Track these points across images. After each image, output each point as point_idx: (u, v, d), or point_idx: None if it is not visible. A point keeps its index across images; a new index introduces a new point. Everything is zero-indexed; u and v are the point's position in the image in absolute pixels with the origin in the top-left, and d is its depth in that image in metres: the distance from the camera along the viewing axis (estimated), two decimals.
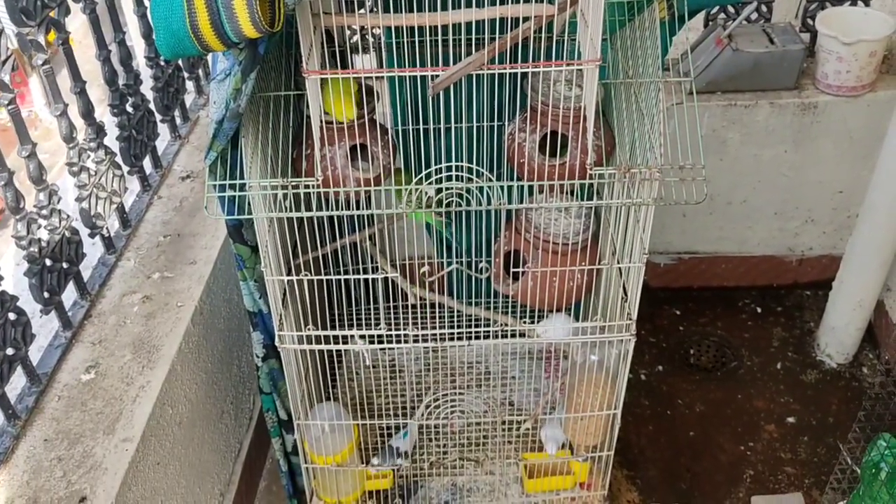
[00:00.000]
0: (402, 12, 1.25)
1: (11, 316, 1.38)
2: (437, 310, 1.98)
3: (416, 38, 1.51)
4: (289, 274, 1.44)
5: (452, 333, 1.58)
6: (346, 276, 1.45)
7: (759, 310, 2.56)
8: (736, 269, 2.58)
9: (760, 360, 2.40)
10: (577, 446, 1.71)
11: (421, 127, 1.73)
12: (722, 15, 2.28)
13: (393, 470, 1.79)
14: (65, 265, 1.54)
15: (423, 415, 1.80)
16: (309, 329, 1.46)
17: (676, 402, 2.28)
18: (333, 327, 1.77)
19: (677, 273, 2.58)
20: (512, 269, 1.56)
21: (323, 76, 1.24)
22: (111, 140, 1.72)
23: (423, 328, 1.52)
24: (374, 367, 2.07)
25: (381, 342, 1.52)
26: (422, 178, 1.33)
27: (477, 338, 1.59)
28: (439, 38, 1.28)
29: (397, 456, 1.74)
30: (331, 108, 1.41)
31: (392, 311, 1.91)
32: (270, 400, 1.74)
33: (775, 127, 2.27)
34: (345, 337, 1.52)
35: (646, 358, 2.41)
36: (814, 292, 2.58)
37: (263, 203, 1.32)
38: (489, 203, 1.33)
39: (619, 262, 1.51)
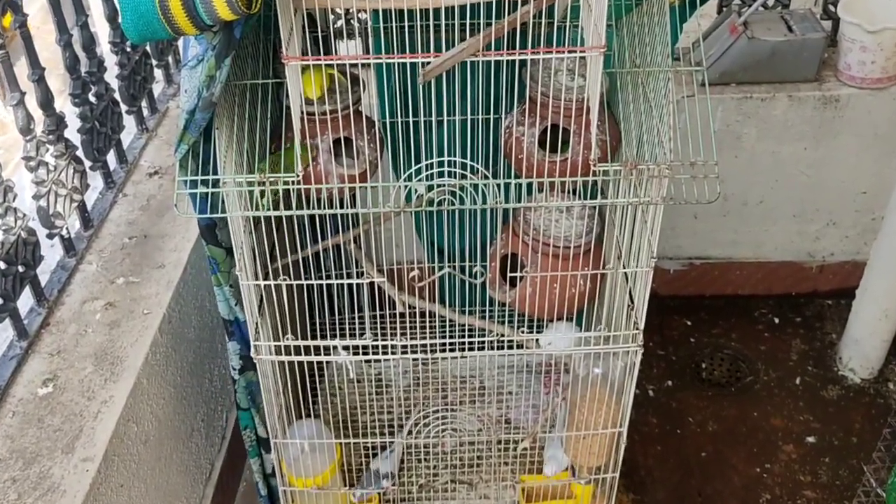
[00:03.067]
0: None
1: None
2: (427, 319, 1.97)
3: (406, 23, 1.51)
4: (266, 278, 1.43)
5: (444, 344, 1.58)
6: (329, 282, 1.45)
7: (776, 320, 2.57)
8: (752, 275, 2.59)
9: (778, 375, 2.41)
10: (580, 467, 1.71)
11: (410, 119, 1.73)
12: (737, 0, 2.29)
13: (378, 494, 1.78)
14: (20, 269, 1.53)
15: (411, 433, 1.80)
16: (287, 339, 1.46)
17: (687, 420, 2.29)
18: (314, 337, 1.77)
19: (688, 280, 2.59)
20: (509, 275, 1.56)
21: (304, 63, 1.24)
22: (72, 133, 1.71)
23: (412, 338, 1.52)
24: (358, 380, 2.07)
25: (366, 354, 1.52)
26: (411, 174, 1.33)
27: (471, 349, 1.59)
28: (430, 22, 1.28)
29: (381, 479, 1.74)
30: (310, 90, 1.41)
31: (378, 319, 1.91)
32: (248, 416, 1.73)
33: (794, 122, 2.28)
34: (326, 348, 1.52)
35: (654, 372, 2.41)
36: (835, 301, 2.59)
37: (239, 201, 1.32)
38: (484, 202, 1.33)
39: (625, 267, 1.51)
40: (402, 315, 1.80)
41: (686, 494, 2.11)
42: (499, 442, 1.89)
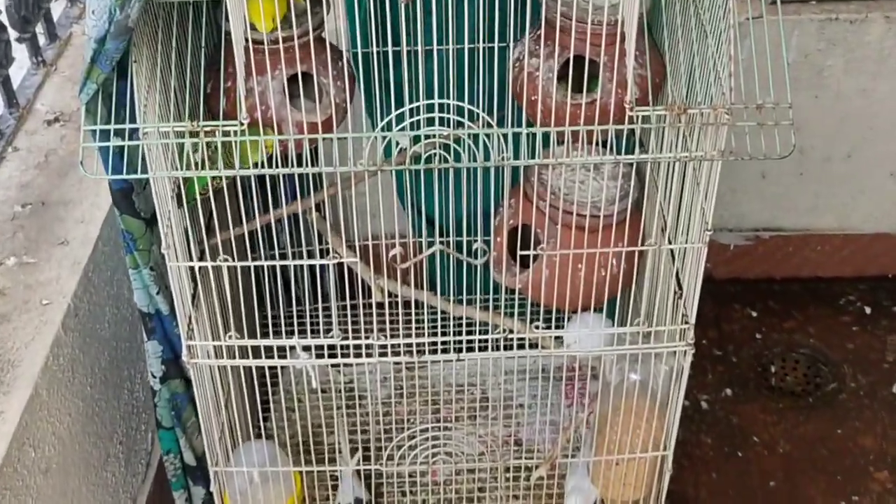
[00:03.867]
0: None
1: None
2: (413, 311, 1.98)
3: None
4: (201, 259, 1.43)
5: (435, 344, 1.58)
6: (284, 262, 1.44)
7: (867, 310, 2.58)
8: (836, 252, 2.60)
9: (869, 381, 2.42)
10: (612, 502, 1.72)
11: (390, 49, 1.72)
12: None
13: None
14: None
15: (392, 459, 1.81)
16: (230, 337, 1.46)
17: (751, 441, 2.30)
18: (266, 335, 1.77)
19: (753, 258, 2.60)
20: (520, 253, 1.56)
21: None
22: None
23: (393, 336, 1.52)
24: (323, 391, 2.07)
25: (333, 356, 1.53)
26: (391, 122, 1.33)
27: (470, 350, 1.60)
28: None
29: None
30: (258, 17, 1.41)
31: (349, 312, 1.91)
32: (172, 438, 1.74)
33: (893, 50, 2.27)
34: (282, 348, 1.52)
35: (708, 378, 2.42)
36: None
37: (164, 157, 1.32)
38: (487, 158, 1.33)
39: (670, 243, 1.52)
40: (381, 306, 1.80)
41: None
42: (507, 469, 1.90)
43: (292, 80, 1.49)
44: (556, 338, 1.69)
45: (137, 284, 1.55)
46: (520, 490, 1.88)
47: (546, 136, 1.41)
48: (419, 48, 1.66)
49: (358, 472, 1.88)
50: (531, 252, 1.51)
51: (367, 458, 1.88)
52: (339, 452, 1.83)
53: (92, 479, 1.75)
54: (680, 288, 1.52)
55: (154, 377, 1.67)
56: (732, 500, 2.18)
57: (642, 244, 1.54)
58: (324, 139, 1.36)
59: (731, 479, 2.22)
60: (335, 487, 1.90)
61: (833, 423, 2.33)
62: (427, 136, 1.34)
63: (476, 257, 1.51)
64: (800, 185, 2.47)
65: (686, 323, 1.49)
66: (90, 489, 1.75)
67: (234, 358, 1.49)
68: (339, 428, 1.85)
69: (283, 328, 1.87)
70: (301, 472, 1.74)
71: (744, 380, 2.42)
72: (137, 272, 1.54)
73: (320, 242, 2.03)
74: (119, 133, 1.30)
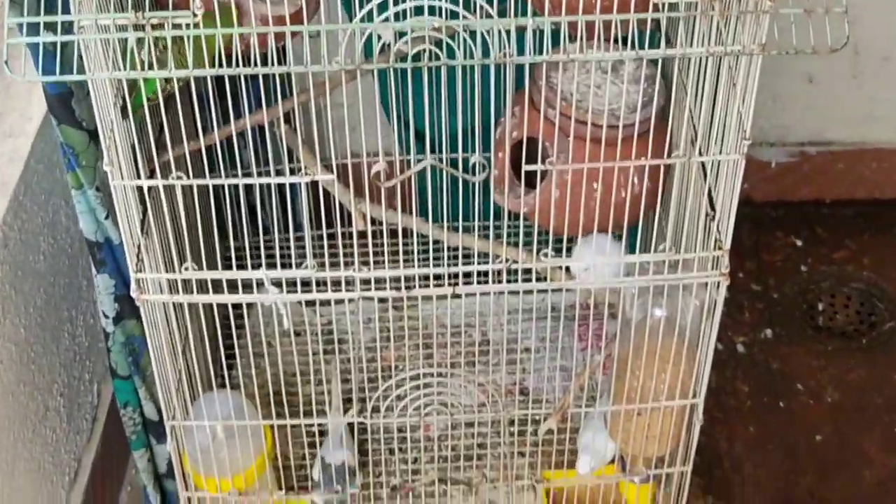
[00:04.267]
0: None
1: None
2: (400, 239, 1.96)
3: None
4: (151, 177, 1.41)
5: (426, 277, 1.57)
6: (248, 180, 1.42)
7: None
8: (895, 169, 2.58)
9: None
10: (633, 458, 1.73)
11: None
12: None
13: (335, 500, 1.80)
14: None
15: (378, 410, 1.80)
16: (186, 269, 1.44)
17: (795, 388, 2.30)
18: (228, 266, 1.75)
19: (798, 177, 2.59)
20: (524, 169, 1.54)
21: None
22: None
23: (377, 268, 1.51)
24: (297, 333, 2.07)
25: (307, 291, 1.51)
26: (372, 12, 1.30)
27: (467, 284, 1.58)
28: None
29: (337, 478, 1.75)
30: None
31: (325, 241, 1.90)
32: (130, 388, 1.74)
33: None
34: (248, 282, 1.51)
35: (745, 316, 2.42)
36: None
37: (105, 56, 1.29)
38: (486, 56, 1.32)
39: (701, 155, 1.49)
40: (363, 235, 1.79)
41: (793, 498, 2.14)
42: (511, 422, 1.90)
43: None
44: (568, 269, 1.68)
45: (82, 208, 1.55)
46: (526, 446, 1.89)
47: (556, 30, 1.39)
48: None
49: (351, 428, 1.88)
50: (539, 167, 1.49)
51: (348, 411, 1.87)
52: (329, 405, 1.83)
53: (28, 435, 1.75)
54: (713, 209, 1.50)
55: (106, 317, 1.67)
56: (772, 455, 2.19)
57: (668, 157, 1.52)
58: (293, 34, 1.33)
59: (770, 433, 2.23)
60: (312, 445, 1.90)
61: (889, 367, 2.34)
62: (415, 30, 1.32)
63: (474, 175, 1.49)
64: (853, 90, 2.46)
65: (720, 249, 1.48)
66: (26, 446, 1.75)
67: (192, 293, 1.48)
68: (333, 374, 1.85)
69: (248, 259, 1.86)
70: (272, 427, 1.73)
71: (787, 319, 2.42)
72: (81, 193, 1.53)
73: (290, 160, 2.01)
74: (51, 27, 1.28)
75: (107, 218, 1.56)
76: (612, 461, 1.79)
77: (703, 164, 1.53)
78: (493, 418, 1.85)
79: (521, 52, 1.32)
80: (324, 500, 1.77)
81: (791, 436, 2.22)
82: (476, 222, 1.90)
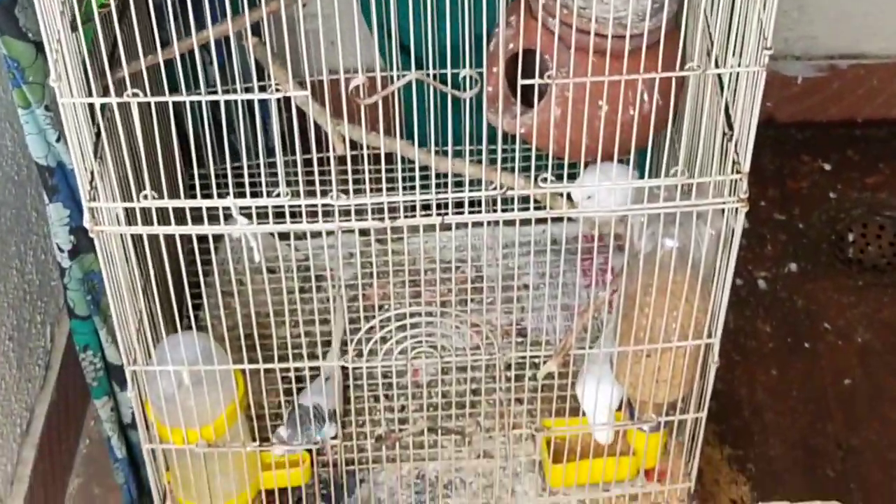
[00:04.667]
0: None
1: None
2: (383, 164, 1.96)
3: None
4: (105, 94, 1.41)
5: (413, 206, 1.57)
6: (212, 97, 1.42)
7: None
8: None
9: None
10: (642, 405, 1.74)
11: None
12: None
13: (311, 452, 1.81)
14: None
15: (361, 354, 1.81)
16: (145, 197, 1.44)
17: (821, 328, 2.32)
18: (192, 194, 1.75)
19: (827, 94, 2.59)
20: (521, 83, 1.54)
21: None
22: None
23: (357, 196, 1.51)
24: (270, 270, 2.06)
25: (281, 222, 1.51)
26: None
27: (458, 213, 1.58)
28: None
29: (315, 420, 1.76)
30: None
31: (301, 166, 1.89)
32: (89, 330, 1.75)
33: None
34: (213, 211, 1.51)
35: (768, 249, 2.43)
36: None
37: None
38: None
39: (718, 67, 1.49)
40: (343, 161, 1.79)
41: (818, 447, 2.16)
42: (507, 366, 1.91)
43: None
44: (570, 197, 1.68)
45: (30, 129, 1.55)
46: (524, 392, 1.89)
47: None
48: None
49: (345, 371, 1.88)
50: (537, 81, 1.48)
51: (326, 355, 1.88)
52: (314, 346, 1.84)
53: None
54: (730, 128, 1.50)
55: (61, 251, 1.67)
56: (796, 401, 2.21)
57: (681, 70, 1.51)
58: None
59: (795, 377, 2.24)
60: (288, 393, 1.91)
61: None
62: None
63: (464, 90, 1.48)
64: None
65: (738, 172, 1.47)
66: None
67: (152, 224, 1.48)
68: (336, 312, 1.85)
69: (214, 187, 1.86)
70: (244, 373, 1.73)
71: (813, 251, 2.43)
72: (29, 113, 1.53)
73: (261, 78, 1.99)
74: None
75: (59, 140, 1.56)
76: (619, 408, 1.80)
77: (719, 78, 1.52)
78: (488, 362, 1.86)
79: None
80: (284, 450, 1.77)
81: (817, 380, 2.24)
82: (467, 146, 1.90)
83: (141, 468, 1.94)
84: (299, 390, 1.86)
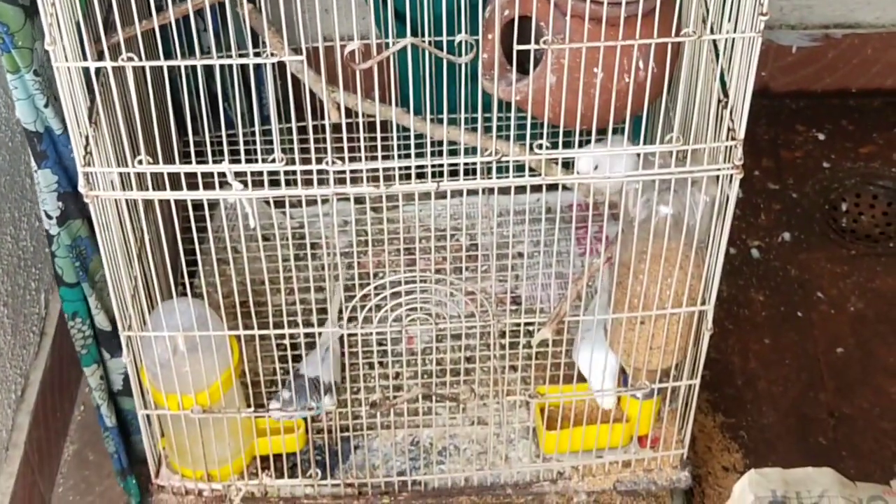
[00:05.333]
0: None
1: None
2: (378, 132, 1.95)
3: None
4: (100, 58, 1.40)
5: (408, 173, 1.56)
6: (207, 62, 1.41)
7: None
8: None
9: None
10: (636, 372, 1.75)
11: None
12: None
13: (306, 419, 1.82)
14: None
15: (355, 320, 1.81)
16: (140, 163, 1.44)
17: (814, 297, 2.32)
18: (187, 161, 1.75)
19: (822, 64, 2.59)
20: (517, 49, 1.53)
21: None
22: None
23: (352, 162, 1.50)
24: (266, 237, 2.06)
25: (276, 188, 1.51)
26: None
27: (453, 180, 1.58)
28: None
29: (313, 392, 1.76)
30: None
31: (295, 133, 1.89)
32: (78, 297, 1.74)
33: None
34: (209, 177, 1.51)
35: (761, 218, 2.42)
36: None
37: None
38: None
39: (712, 33, 1.48)
40: (337, 129, 1.78)
41: (810, 415, 2.17)
42: (501, 333, 1.91)
43: None
44: (565, 164, 1.68)
45: (20, 94, 1.53)
46: (518, 359, 1.90)
47: None
48: None
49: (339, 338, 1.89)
50: (532, 47, 1.48)
51: (322, 322, 1.88)
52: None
53: None
54: (725, 94, 1.50)
55: (49, 218, 1.66)
56: (789, 370, 2.21)
57: (678, 36, 1.50)
58: None
59: (788, 345, 2.25)
60: (283, 360, 1.91)
61: None
62: None
63: (460, 56, 1.47)
64: None
65: (733, 139, 1.47)
66: None
67: (147, 189, 1.47)
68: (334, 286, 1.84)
69: (211, 152, 1.85)
70: (239, 339, 1.73)
71: (807, 221, 2.43)
72: (18, 78, 1.52)
73: (256, 45, 1.99)
74: None
75: (47, 106, 1.55)
76: (613, 375, 1.80)
77: (714, 45, 1.52)
78: (483, 329, 1.86)
79: None
80: (282, 415, 1.78)
81: (809, 349, 2.24)
82: (463, 113, 1.90)
83: (131, 436, 1.94)
84: (294, 358, 1.86)
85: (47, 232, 1.68)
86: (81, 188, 1.45)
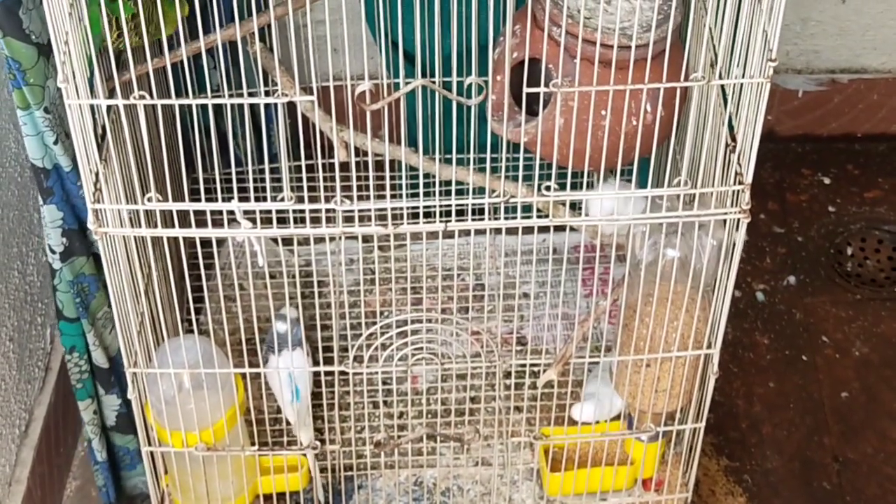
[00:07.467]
0: None
1: None
2: (386, 171, 1.96)
3: None
4: (111, 96, 1.41)
5: (415, 213, 1.57)
6: (217, 100, 1.42)
7: None
8: None
9: None
10: (641, 414, 1.74)
11: None
12: None
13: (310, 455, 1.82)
14: None
15: (360, 360, 1.81)
16: (150, 200, 1.44)
17: (819, 341, 2.31)
18: (197, 198, 1.75)
19: (828, 108, 2.58)
20: (525, 90, 1.54)
21: None
22: None
23: (361, 202, 1.50)
24: (272, 275, 2.06)
25: (283, 226, 1.51)
26: None
27: (461, 221, 1.58)
28: None
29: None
30: None
31: (304, 172, 1.89)
32: (76, 332, 1.75)
33: None
34: (218, 215, 1.51)
35: (766, 262, 2.42)
36: None
37: None
38: None
39: (721, 78, 1.49)
40: (345, 167, 1.79)
41: (814, 459, 2.15)
42: (506, 374, 1.90)
43: None
44: (572, 205, 1.68)
45: (29, 131, 1.54)
46: (523, 400, 1.89)
47: None
48: None
49: (331, 381, 1.89)
50: (541, 90, 1.48)
51: (328, 361, 1.88)
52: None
53: None
54: (733, 139, 1.50)
55: (53, 253, 1.66)
56: (793, 414, 2.21)
57: (685, 80, 1.51)
58: None
59: (792, 389, 2.24)
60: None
61: None
62: None
63: (468, 97, 1.48)
64: (891, 11, 2.44)
65: (740, 184, 1.48)
66: None
67: (156, 227, 1.47)
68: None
69: (219, 191, 1.85)
70: (244, 377, 1.73)
71: (812, 264, 2.42)
72: (28, 114, 1.52)
73: (266, 84, 2.00)
74: None
75: (56, 143, 1.56)
76: (618, 417, 1.79)
77: (723, 89, 1.53)
78: (488, 369, 1.86)
79: None
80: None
81: (814, 393, 2.23)
82: (471, 154, 1.90)
83: (122, 471, 1.94)
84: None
85: (51, 266, 1.68)
86: (91, 224, 1.45)
